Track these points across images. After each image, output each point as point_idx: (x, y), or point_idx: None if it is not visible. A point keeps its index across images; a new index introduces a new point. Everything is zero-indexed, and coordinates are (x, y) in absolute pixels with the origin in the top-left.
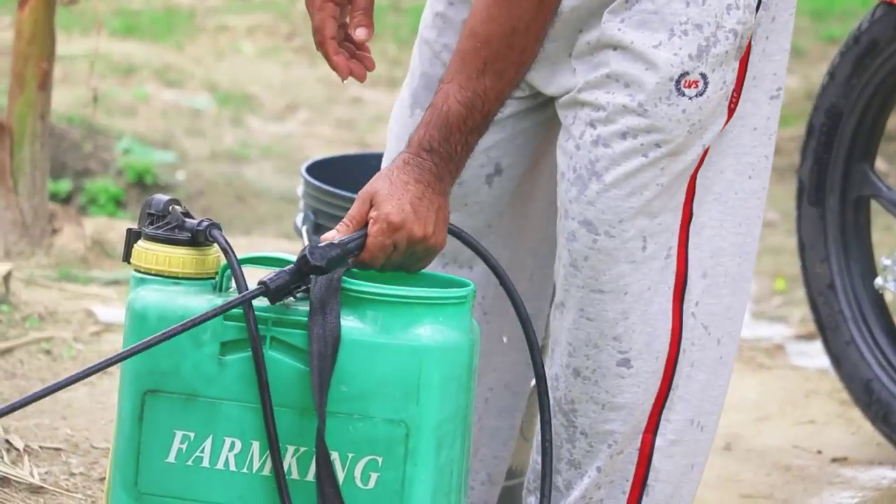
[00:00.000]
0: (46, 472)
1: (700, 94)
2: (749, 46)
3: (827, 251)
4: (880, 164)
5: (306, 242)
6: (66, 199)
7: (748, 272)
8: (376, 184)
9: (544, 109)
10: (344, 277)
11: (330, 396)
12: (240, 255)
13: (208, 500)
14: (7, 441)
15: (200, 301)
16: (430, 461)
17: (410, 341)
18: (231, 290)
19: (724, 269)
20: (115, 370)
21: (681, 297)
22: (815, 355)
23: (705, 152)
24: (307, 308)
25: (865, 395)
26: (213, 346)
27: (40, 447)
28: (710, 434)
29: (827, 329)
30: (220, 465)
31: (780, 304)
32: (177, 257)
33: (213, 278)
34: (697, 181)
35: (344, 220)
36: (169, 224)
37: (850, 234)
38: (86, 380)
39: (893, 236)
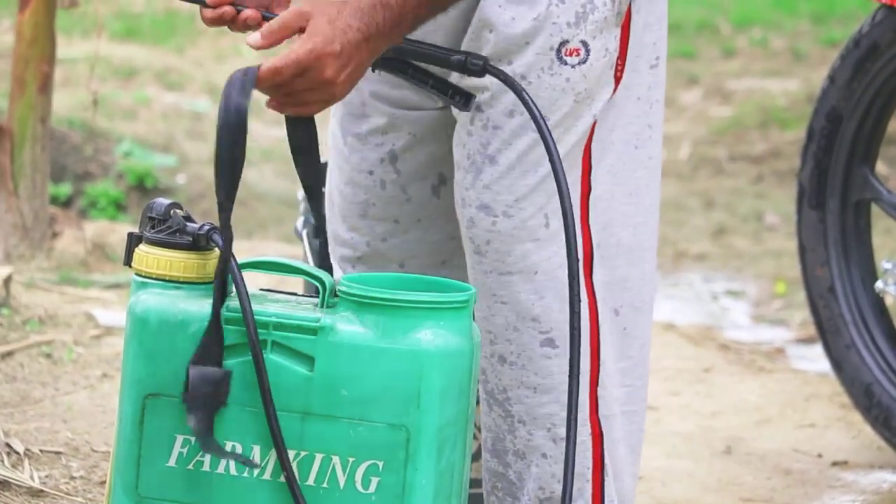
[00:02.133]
0: (47, 476)
1: (582, 62)
2: (629, 13)
3: (827, 255)
4: (881, 167)
5: (307, 246)
6: (66, 203)
7: (647, 241)
8: (320, 10)
9: None
10: (345, 281)
11: (331, 400)
12: (240, 260)
13: (210, 503)
14: (7, 444)
15: (202, 305)
16: (430, 465)
17: (411, 346)
18: (232, 294)
19: (615, 239)
20: (116, 373)
21: (590, 272)
22: (815, 359)
23: (594, 124)
24: (309, 313)
25: (866, 399)
26: None
27: (41, 451)
28: (627, 407)
29: (827, 332)
30: (220, 470)
31: (780, 308)
32: (178, 261)
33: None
34: (592, 154)
35: (271, 24)
36: (170, 228)
37: (850, 238)
38: (86, 383)
39: (894, 240)
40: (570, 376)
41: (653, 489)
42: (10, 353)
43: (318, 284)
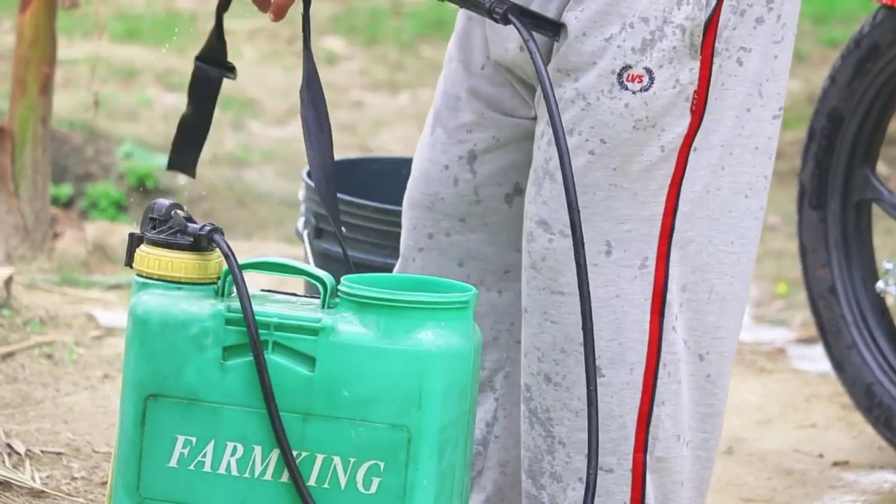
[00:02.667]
0: (48, 477)
1: (644, 89)
2: (711, 49)
3: (828, 255)
4: (881, 167)
5: (307, 247)
6: (67, 204)
7: (741, 292)
8: None
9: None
10: (346, 282)
11: (332, 401)
12: (241, 260)
13: (211, 503)
14: (8, 445)
15: (203, 306)
16: (432, 466)
17: (412, 346)
18: (234, 295)
19: (708, 285)
20: (117, 374)
21: (660, 311)
22: (816, 359)
23: (681, 164)
24: (311, 314)
25: (867, 399)
26: (215, 350)
27: (42, 451)
28: (702, 452)
29: (828, 333)
30: (221, 470)
31: (781, 308)
32: (179, 262)
33: (216, 283)
34: (682, 196)
35: None
36: (171, 229)
37: (851, 238)
38: (87, 384)
39: (895, 240)
40: (588, 379)
41: None
42: (11, 354)
43: (318, 285)
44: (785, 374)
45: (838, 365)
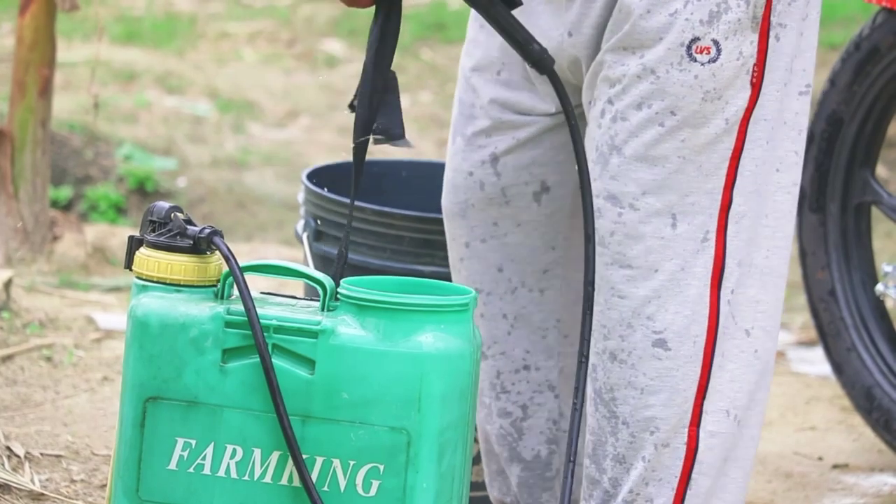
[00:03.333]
0: (47, 479)
1: (713, 60)
2: (767, 21)
3: (828, 258)
4: (881, 170)
5: (307, 249)
6: (66, 206)
7: (780, 267)
8: None
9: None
10: (345, 284)
11: (331, 403)
12: (241, 263)
13: None
14: (8, 448)
15: (202, 309)
16: (431, 469)
17: (412, 349)
18: (233, 297)
19: (753, 259)
20: (117, 377)
21: (718, 284)
22: (816, 362)
23: (741, 138)
24: (310, 316)
25: (867, 402)
26: (214, 353)
27: (41, 454)
28: (750, 430)
29: (828, 335)
30: (221, 473)
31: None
32: (178, 265)
33: (215, 286)
34: (739, 169)
35: None
36: (171, 231)
37: (851, 241)
38: (86, 386)
39: (894, 243)
40: (579, 364)
41: None
42: (10, 357)
43: (318, 288)
44: (785, 376)
45: (838, 367)
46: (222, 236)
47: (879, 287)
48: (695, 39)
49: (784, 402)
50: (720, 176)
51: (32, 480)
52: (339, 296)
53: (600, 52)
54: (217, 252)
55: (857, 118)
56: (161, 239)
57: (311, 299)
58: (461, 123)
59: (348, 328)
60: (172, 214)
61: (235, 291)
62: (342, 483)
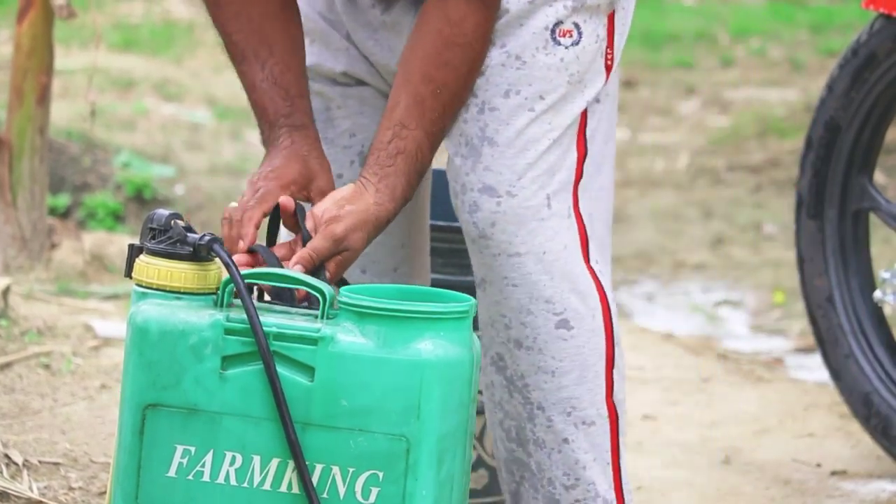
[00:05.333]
0: (45, 487)
1: (575, 43)
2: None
3: (826, 264)
4: (879, 176)
5: None
6: (64, 214)
7: (608, 239)
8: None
9: None
10: (344, 291)
11: (331, 411)
12: (241, 271)
13: None
14: (6, 455)
15: (202, 316)
16: (430, 476)
17: (411, 356)
18: (233, 305)
19: (601, 223)
20: (115, 384)
21: (587, 256)
22: (814, 368)
23: (586, 111)
24: (307, 323)
25: (865, 409)
26: (214, 360)
27: (39, 461)
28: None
29: (826, 342)
30: (220, 480)
31: (779, 318)
32: (178, 272)
33: (215, 293)
34: (588, 143)
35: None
36: (171, 238)
37: (848, 247)
38: (85, 394)
39: (892, 249)
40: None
41: (652, 499)
42: (8, 365)
43: (318, 296)
44: (783, 383)
45: (836, 374)
46: (222, 244)
47: (877, 294)
48: (558, 23)
49: (782, 409)
50: (574, 150)
51: (31, 488)
52: (338, 303)
53: None
54: (217, 259)
55: (855, 124)
56: (161, 246)
57: (311, 308)
58: (322, 129)
59: (348, 335)
60: (172, 222)
61: (235, 300)
62: (341, 490)
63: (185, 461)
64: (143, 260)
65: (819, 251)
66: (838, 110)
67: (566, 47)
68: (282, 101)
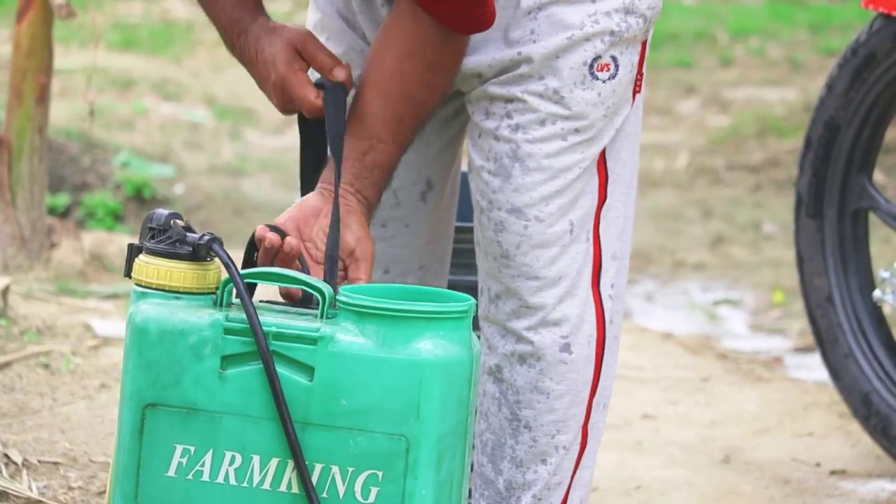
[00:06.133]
0: (45, 486)
1: (612, 76)
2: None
3: (825, 264)
4: (878, 176)
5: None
6: (64, 213)
7: (628, 256)
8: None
9: (456, 118)
10: (344, 291)
11: (330, 410)
12: (241, 271)
13: None
14: (5, 455)
15: (201, 315)
16: (430, 475)
17: (411, 356)
18: (233, 304)
19: (625, 249)
20: (114, 384)
21: (598, 281)
22: (813, 368)
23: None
24: (307, 323)
25: (864, 408)
26: (213, 359)
27: (39, 461)
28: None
29: (825, 342)
30: (220, 480)
31: (778, 317)
32: (178, 272)
33: (214, 293)
34: (608, 164)
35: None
36: (170, 238)
37: (848, 247)
38: (84, 393)
39: (892, 248)
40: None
41: (651, 499)
42: (8, 364)
43: (317, 295)
44: (782, 382)
45: (835, 373)
46: (221, 243)
47: (877, 293)
48: (597, 58)
49: (782, 409)
50: (596, 175)
51: (30, 487)
52: (338, 303)
53: (496, 62)
54: (216, 259)
55: (855, 124)
56: (160, 246)
57: (310, 308)
58: None
59: (347, 335)
60: (172, 221)
61: (235, 299)
62: (341, 489)
63: (184, 461)
64: (142, 260)
65: (818, 250)
66: (838, 110)
67: (604, 81)
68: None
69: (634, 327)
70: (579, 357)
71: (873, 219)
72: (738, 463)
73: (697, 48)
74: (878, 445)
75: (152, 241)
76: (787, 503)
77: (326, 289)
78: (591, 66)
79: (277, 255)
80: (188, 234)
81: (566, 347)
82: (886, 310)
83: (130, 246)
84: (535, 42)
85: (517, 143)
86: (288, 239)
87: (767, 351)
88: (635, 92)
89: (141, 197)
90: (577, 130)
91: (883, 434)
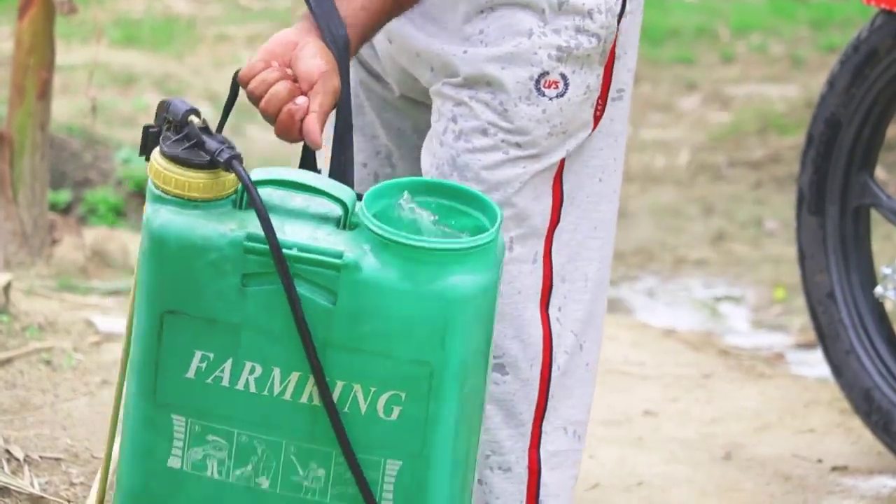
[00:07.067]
0: (47, 482)
1: (560, 94)
2: (613, 55)
3: (827, 260)
4: (880, 172)
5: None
6: (65, 210)
7: (607, 277)
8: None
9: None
10: (368, 202)
11: (353, 334)
12: (257, 177)
13: (229, 416)
14: (7, 451)
15: (221, 230)
16: (453, 396)
17: (437, 289)
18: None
19: (582, 273)
20: (115, 380)
21: (546, 303)
22: (815, 364)
23: (564, 157)
24: (331, 245)
25: (866, 404)
26: (234, 276)
27: (40, 457)
28: (583, 444)
29: (827, 338)
30: (240, 387)
31: (779, 313)
32: (195, 182)
33: (233, 196)
34: (564, 187)
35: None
36: (188, 139)
37: (849, 243)
38: (86, 390)
39: (893, 245)
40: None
41: (652, 495)
42: (9, 360)
43: (339, 206)
44: (783, 379)
45: (837, 370)
46: (241, 160)
47: (878, 289)
48: (543, 74)
49: (783, 405)
50: (549, 196)
51: (32, 483)
52: (361, 223)
53: (444, 53)
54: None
55: (856, 121)
56: (178, 152)
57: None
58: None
59: (371, 264)
60: (189, 118)
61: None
62: (363, 407)
63: (203, 365)
64: (159, 163)
65: (820, 247)
66: (839, 107)
67: (550, 98)
68: None
69: (636, 324)
70: (517, 378)
71: (875, 215)
72: (740, 459)
73: (698, 45)
74: (879, 442)
75: (168, 141)
76: (788, 500)
77: (348, 198)
78: (538, 82)
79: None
80: (206, 138)
81: (499, 368)
82: (888, 306)
83: (145, 128)
84: (483, 45)
85: (457, 151)
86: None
87: (769, 347)
88: (596, 118)
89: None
90: (518, 145)
91: (884, 430)
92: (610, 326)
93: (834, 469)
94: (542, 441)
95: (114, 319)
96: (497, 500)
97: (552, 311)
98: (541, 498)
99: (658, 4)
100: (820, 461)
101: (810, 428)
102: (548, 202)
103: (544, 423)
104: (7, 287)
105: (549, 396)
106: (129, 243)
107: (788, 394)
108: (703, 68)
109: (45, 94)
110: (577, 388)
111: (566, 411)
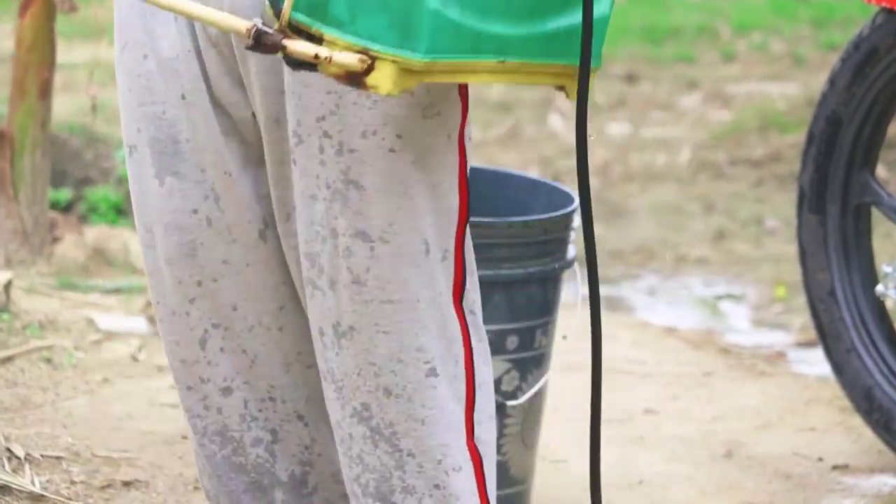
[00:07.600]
0: (47, 481)
1: None
2: None
3: (828, 258)
4: (881, 171)
5: None
6: (66, 208)
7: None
8: None
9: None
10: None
11: None
12: None
13: None
14: (8, 449)
15: None
16: None
17: None
18: None
19: (475, 266)
20: (117, 378)
21: (460, 297)
22: (815, 363)
23: (461, 151)
24: None
25: (866, 403)
26: None
27: (41, 455)
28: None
29: (828, 336)
30: None
31: (780, 312)
32: None
33: None
34: (468, 179)
35: None
36: None
37: (850, 242)
38: (86, 388)
39: (894, 243)
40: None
41: (652, 493)
42: (10, 359)
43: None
44: (784, 377)
45: (838, 368)
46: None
47: (879, 288)
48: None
49: (783, 404)
50: (454, 193)
51: (32, 482)
52: None
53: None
54: None
55: (857, 119)
56: None
57: None
58: (169, 162)
59: None
60: None
61: None
62: None
63: None
64: None
65: (821, 245)
66: (840, 105)
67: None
68: None
69: (636, 322)
70: (447, 377)
71: (876, 214)
72: (740, 458)
73: (699, 43)
74: (880, 440)
75: None
76: (789, 498)
77: None
78: None
79: None
80: None
81: (432, 371)
82: (889, 304)
83: None
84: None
85: (346, 164)
86: None
87: (769, 346)
88: (462, 96)
89: None
90: (398, 136)
91: (885, 429)
92: (610, 325)
93: (835, 467)
94: (476, 430)
95: (114, 318)
96: (458, 500)
97: (466, 305)
98: (487, 486)
99: (659, 3)
100: (821, 460)
101: (811, 426)
102: (453, 201)
103: (476, 414)
104: (8, 285)
105: (476, 387)
106: (129, 241)
107: (789, 392)
108: (704, 67)
109: (45, 92)
110: (486, 379)
111: (485, 400)
